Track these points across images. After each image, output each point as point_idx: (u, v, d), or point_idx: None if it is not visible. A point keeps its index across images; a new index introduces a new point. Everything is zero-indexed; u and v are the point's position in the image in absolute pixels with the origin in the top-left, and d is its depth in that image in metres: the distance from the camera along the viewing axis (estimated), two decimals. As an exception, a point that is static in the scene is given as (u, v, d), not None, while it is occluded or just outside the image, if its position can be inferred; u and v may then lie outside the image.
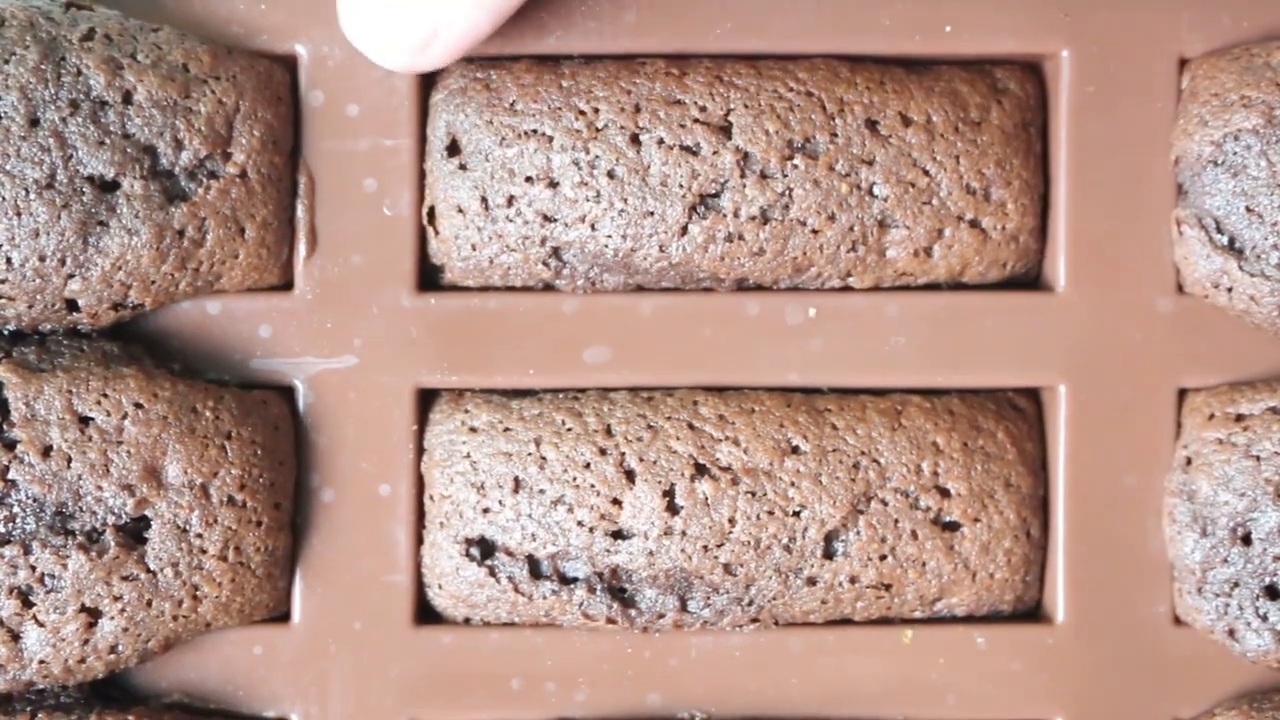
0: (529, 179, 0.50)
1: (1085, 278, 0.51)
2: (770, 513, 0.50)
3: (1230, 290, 0.50)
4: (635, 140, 0.49)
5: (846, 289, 0.51)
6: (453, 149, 0.50)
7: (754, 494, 0.50)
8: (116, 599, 0.48)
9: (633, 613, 0.50)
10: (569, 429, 0.50)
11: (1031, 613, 0.52)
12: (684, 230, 0.49)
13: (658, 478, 0.50)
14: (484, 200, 0.50)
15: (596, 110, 0.50)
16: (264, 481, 0.49)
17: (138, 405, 0.48)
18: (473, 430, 0.51)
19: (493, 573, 0.50)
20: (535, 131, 0.50)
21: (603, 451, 0.50)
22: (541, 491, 0.50)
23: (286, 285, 0.51)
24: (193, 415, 0.49)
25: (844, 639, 0.51)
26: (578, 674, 0.50)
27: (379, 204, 0.50)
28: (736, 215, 0.49)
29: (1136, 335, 0.51)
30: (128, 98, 0.48)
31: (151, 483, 0.48)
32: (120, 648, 0.48)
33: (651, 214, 0.49)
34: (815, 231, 0.50)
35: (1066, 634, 0.51)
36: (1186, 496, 0.50)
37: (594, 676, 0.50)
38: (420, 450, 0.51)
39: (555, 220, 0.49)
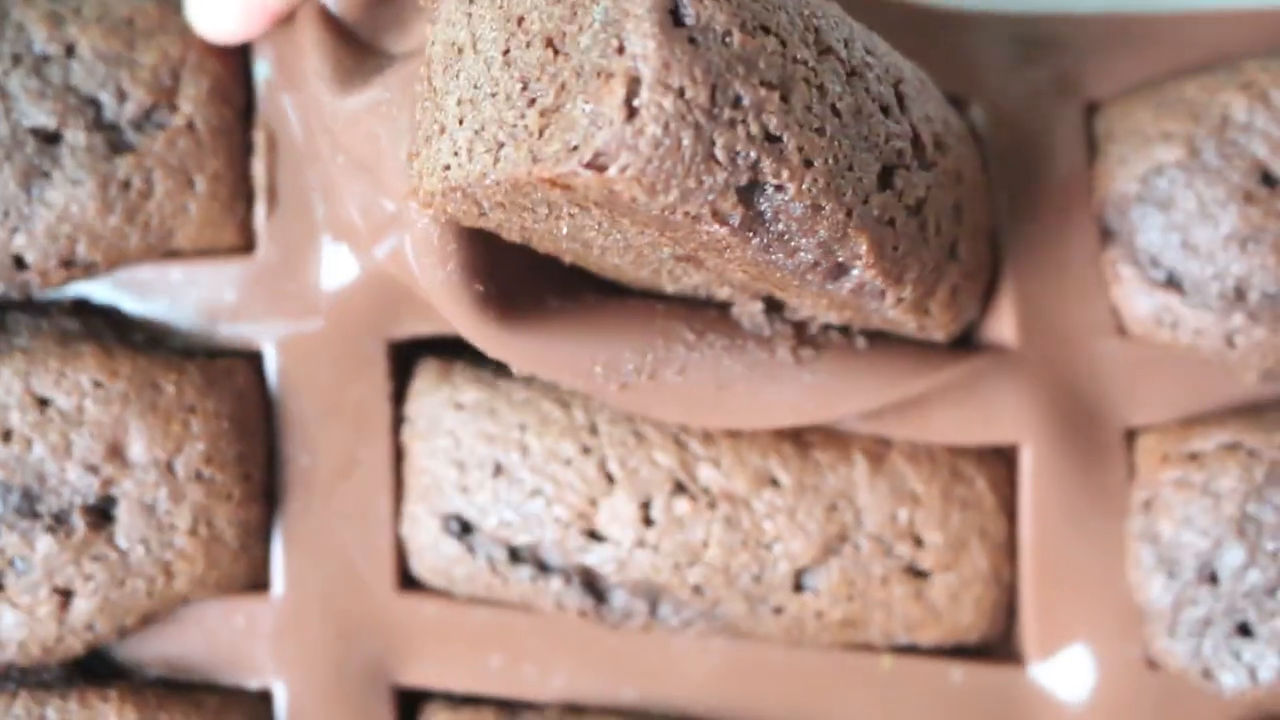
0: None
1: (1033, 332, 0.49)
2: (743, 542, 0.48)
3: (1175, 325, 0.48)
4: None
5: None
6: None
7: (729, 520, 0.48)
8: (88, 579, 0.47)
9: (604, 609, 0.48)
10: (555, 420, 0.48)
11: (1001, 644, 0.51)
12: (867, 200, 0.40)
13: (637, 487, 0.48)
14: (712, 94, 0.37)
15: None
16: (232, 454, 0.48)
17: (96, 384, 0.47)
18: (458, 406, 0.49)
19: (471, 550, 0.48)
20: None
21: (586, 450, 0.48)
22: (521, 480, 0.48)
23: (248, 247, 0.49)
24: (154, 391, 0.47)
25: (824, 659, 0.49)
26: (557, 660, 0.49)
27: (334, 158, 0.48)
28: (900, 198, 0.42)
29: (1086, 383, 0.49)
30: (70, 50, 0.47)
31: (115, 462, 0.47)
32: (96, 626, 0.47)
33: (851, 169, 0.39)
34: (926, 240, 0.43)
35: (1038, 678, 0.49)
36: (1150, 540, 0.48)
37: (573, 664, 0.49)
38: (396, 410, 0.50)
39: (776, 140, 0.38)
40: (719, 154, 0.36)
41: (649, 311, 0.47)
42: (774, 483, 0.48)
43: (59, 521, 0.47)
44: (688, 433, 0.48)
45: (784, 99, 0.37)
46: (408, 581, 0.50)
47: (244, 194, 0.49)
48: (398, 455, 0.50)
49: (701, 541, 0.48)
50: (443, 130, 0.39)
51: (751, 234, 0.38)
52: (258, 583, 0.50)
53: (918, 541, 0.49)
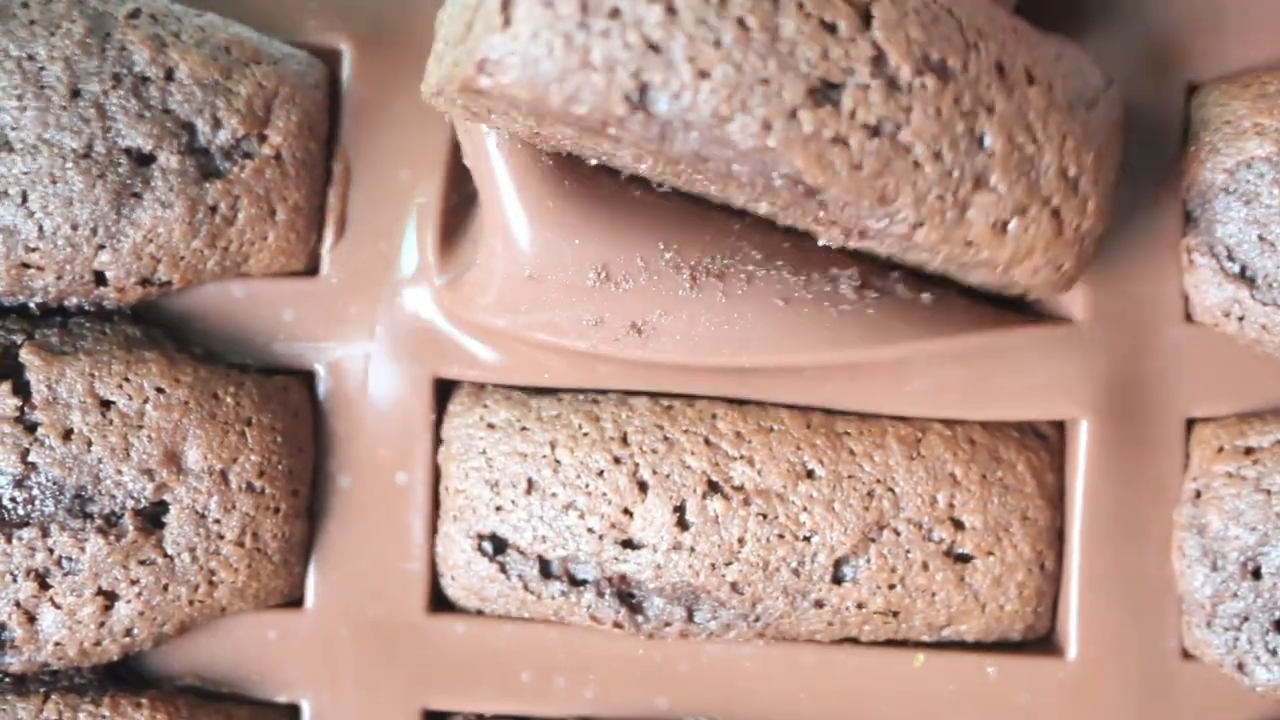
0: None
1: (1103, 308, 0.50)
2: (780, 536, 0.49)
3: (1241, 319, 0.49)
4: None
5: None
6: None
7: (765, 516, 0.49)
8: (133, 583, 0.48)
9: (639, 619, 0.49)
10: (585, 434, 0.50)
11: (1043, 640, 0.52)
12: (793, 114, 0.41)
13: (670, 492, 0.49)
14: (584, 5, 0.40)
15: None
16: (283, 468, 0.49)
17: (159, 390, 0.48)
18: (490, 426, 0.50)
19: (503, 569, 0.50)
20: None
21: (617, 460, 0.49)
22: (554, 495, 0.49)
23: (311, 271, 0.51)
24: (214, 401, 0.48)
25: (855, 658, 0.50)
26: (588, 672, 0.50)
27: (409, 196, 0.50)
28: (852, 117, 0.42)
29: (1149, 366, 0.50)
30: (170, 74, 0.48)
31: (171, 468, 0.48)
32: (136, 631, 0.48)
33: (766, 82, 0.41)
34: (917, 164, 0.43)
35: (1078, 668, 0.50)
36: (1197, 530, 0.49)
37: (604, 676, 0.50)
38: (438, 440, 0.51)
39: (659, 51, 0.39)
40: (595, 61, 0.39)
41: (725, 225, 0.48)
42: (810, 475, 0.49)
43: (110, 523, 0.47)
44: (718, 434, 0.50)
45: (669, 10, 0.39)
46: (440, 604, 0.51)
47: (318, 224, 0.51)
48: (435, 479, 0.51)
49: (738, 539, 0.49)
50: (436, 42, 0.43)
51: (665, 140, 0.40)
52: (294, 599, 0.51)
53: (958, 525, 0.49)
